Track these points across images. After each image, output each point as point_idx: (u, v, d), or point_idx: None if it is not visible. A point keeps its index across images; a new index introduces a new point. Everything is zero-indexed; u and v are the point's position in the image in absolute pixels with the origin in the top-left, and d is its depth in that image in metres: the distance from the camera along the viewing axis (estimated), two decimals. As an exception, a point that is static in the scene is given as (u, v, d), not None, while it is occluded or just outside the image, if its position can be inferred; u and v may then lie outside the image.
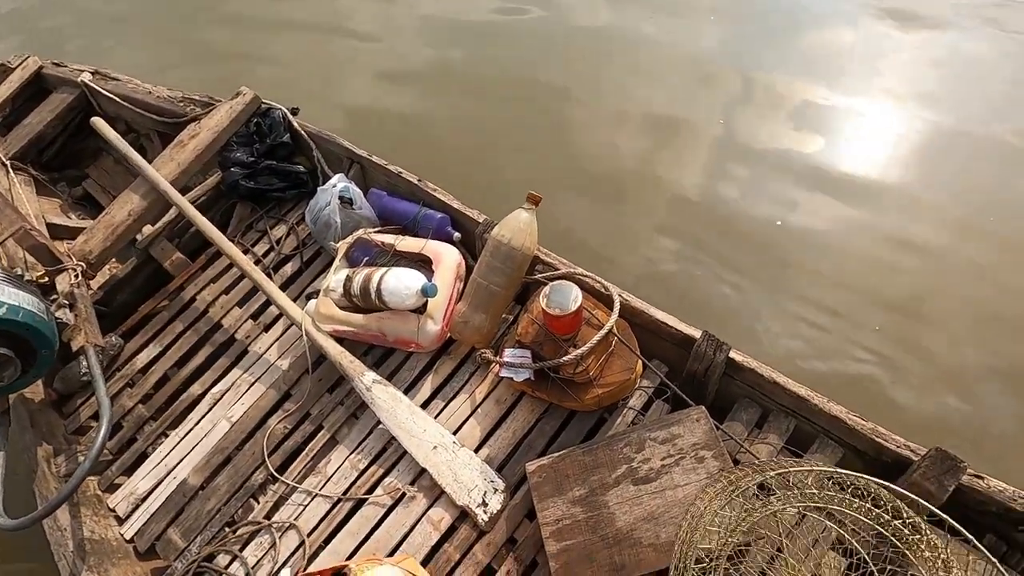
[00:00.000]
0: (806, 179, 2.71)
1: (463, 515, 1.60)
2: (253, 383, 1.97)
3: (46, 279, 2.06)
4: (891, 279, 2.36)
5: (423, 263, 1.92)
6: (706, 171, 2.81)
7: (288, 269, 2.21)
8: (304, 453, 1.81)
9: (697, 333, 1.60)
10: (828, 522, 1.40)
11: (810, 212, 2.60)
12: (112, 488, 1.89)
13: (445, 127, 3.18)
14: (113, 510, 1.83)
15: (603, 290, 1.73)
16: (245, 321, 2.13)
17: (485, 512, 1.56)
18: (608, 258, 2.51)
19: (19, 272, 1.95)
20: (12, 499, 1.68)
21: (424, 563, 1.54)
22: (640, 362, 1.64)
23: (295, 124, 2.32)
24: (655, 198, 2.75)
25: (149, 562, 1.76)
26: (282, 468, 1.81)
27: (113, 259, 2.46)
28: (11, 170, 2.66)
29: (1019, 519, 1.26)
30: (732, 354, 1.56)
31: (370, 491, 1.69)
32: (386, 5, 3.98)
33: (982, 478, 1.29)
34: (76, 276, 2.00)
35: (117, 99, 2.66)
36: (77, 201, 2.94)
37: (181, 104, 2.55)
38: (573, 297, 1.51)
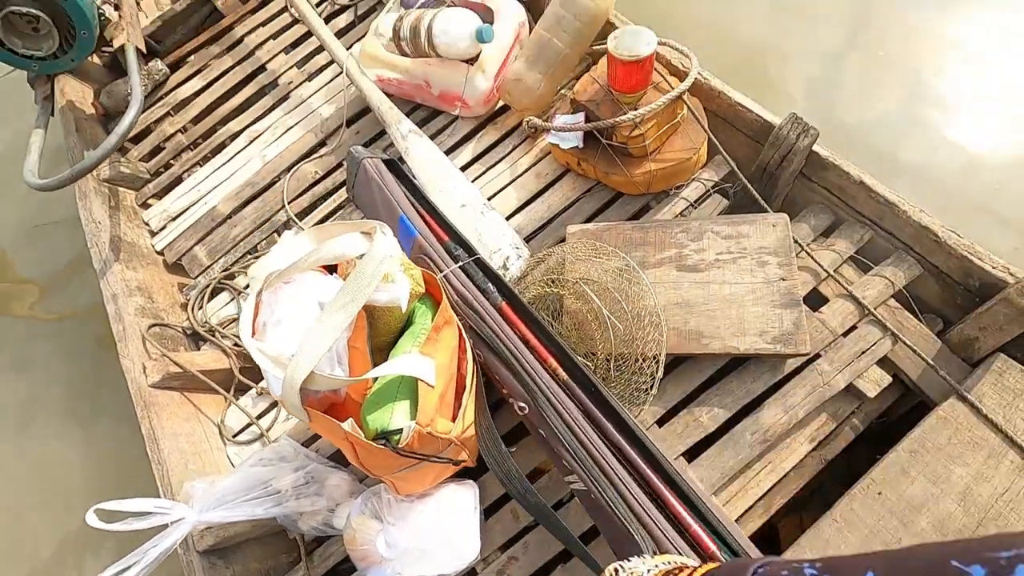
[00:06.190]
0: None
1: (481, 276, 1.52)
2: (291, 127, 1.89)
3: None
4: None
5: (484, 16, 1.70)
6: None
7: (341, 21, 2.05)
8: (329, 201, 1.76)
9: (780, 120, 1.37)
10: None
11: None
12: (146, 206, 1.92)
13: None
14: (147, 224, 1.86)
15: (680, 65, 1.49)
16: (290, 68, 2.01)
17: (506, 275, 1.47)
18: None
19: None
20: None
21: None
22: (705, 145, 1.44)
23: None
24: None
25: (176, 276, 1.80)
26: (303, 214, 1.76)
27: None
28: None
29: None
30: (816, 147, 1.34)
31: (391, 242, 1.63)
32: None
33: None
34: (124, -16, 1.89)
35: None
36: None
37: None
38: (646, 41, 1.28)
